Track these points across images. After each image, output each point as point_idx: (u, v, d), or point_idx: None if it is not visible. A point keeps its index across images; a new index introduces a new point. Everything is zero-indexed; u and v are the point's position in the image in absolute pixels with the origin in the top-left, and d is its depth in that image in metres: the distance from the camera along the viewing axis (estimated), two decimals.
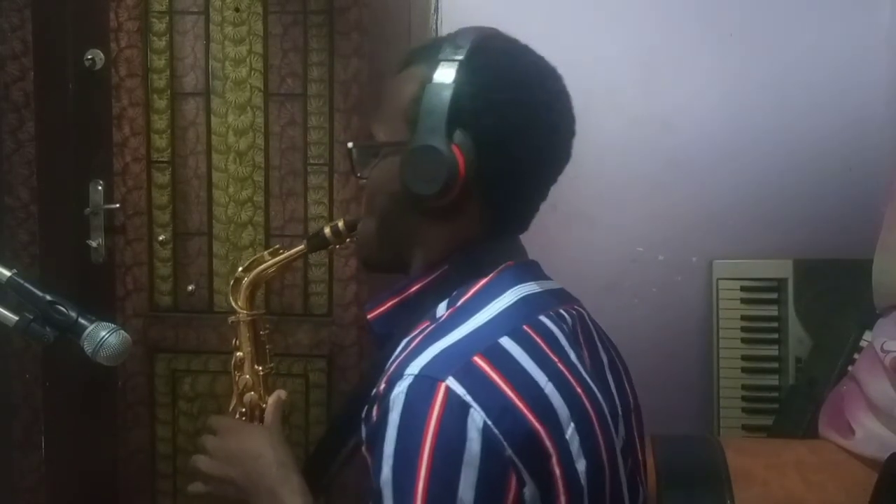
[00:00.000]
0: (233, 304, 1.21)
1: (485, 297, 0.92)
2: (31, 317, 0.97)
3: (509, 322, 0.89)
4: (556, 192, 1.02)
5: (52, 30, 1.76)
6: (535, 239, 1.04)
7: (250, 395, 1.20)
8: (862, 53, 1.92)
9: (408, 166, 0.92)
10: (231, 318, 1.23)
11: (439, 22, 1.83)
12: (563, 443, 0.84)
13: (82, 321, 0.97)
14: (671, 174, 1.96)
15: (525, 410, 0.83)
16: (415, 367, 0.83)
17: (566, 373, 0.88)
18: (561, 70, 0.99)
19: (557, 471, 0.84)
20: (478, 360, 0.84)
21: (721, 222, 1.97)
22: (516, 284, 0.94)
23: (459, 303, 0.92)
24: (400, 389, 0.83)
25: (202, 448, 1.10)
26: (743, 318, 1.94)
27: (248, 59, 1.88)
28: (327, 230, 1.11)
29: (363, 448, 0.87)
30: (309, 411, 1.91)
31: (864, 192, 1.89)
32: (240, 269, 1.22)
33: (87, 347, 0.97)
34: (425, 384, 0.82)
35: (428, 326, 0.91)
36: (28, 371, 1.76)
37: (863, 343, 1.67)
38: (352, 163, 1.02)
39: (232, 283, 1.22)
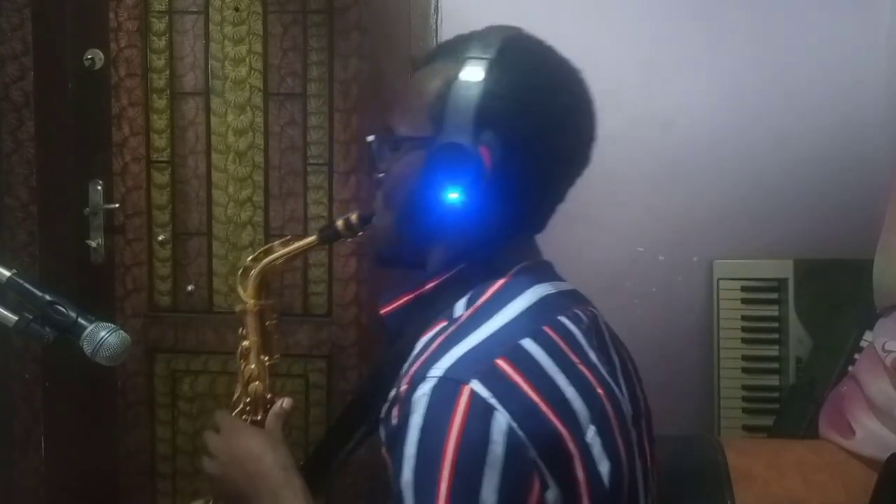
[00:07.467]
0: (241, 293, 1.20)
1: (503, 297, 0.92)
2: (31, 317, 0.97)
3: (530, 324, 0.89)
4: None
5: (51, 30, 1.76)
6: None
7: (255, 386, 1.19)
8: (862, 53, 1.92)
9: (433, 163, 0.91)
10: (238, 307, 1.21)
11: (439, 22, 1.83)
12: (585, 445, 0.84)
13: (82, 321, 0.97)
14: (671, 174, 1.96)
15: (548, 412, 0.82)
16: (438, 370, 0.83)
17: (587, 374, 0.88)
18: None
19: (580, 474, 0.83)
20: (501, 362, 0.83)
21: (721, 222, 1.97)
22: (533, 285, 0.94)
23: (478, 303, 0.92)
24: (423, 391, 0.82)
25: (205, 447, 1.10)
26: (743, 318, 1.94)
27: (247, 59, 1.88)
28: (340, 223, 1.10)
29: (382, 449, 0.87)
30: (308, 412, 1.90)
31: (864, 192, 1.89)
32: (249, 258, 1.21)
33: (87, 347, 0.96)
34: (449, 386, 0.81)
35: (446, 326, 0.90)
36: (28, 371, 1.76)
37: (863, 343, 1.67)
38: (371, 156, 1.01)
39: (240, 271, 1.21)
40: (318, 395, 1.91)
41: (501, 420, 0.80)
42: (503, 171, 0.91)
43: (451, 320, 0.91)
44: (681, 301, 1.99)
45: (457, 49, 0.94)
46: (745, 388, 1.92)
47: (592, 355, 0.91)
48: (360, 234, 1.10)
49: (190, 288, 1.92)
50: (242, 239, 1.91)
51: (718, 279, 1.95)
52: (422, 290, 0.97)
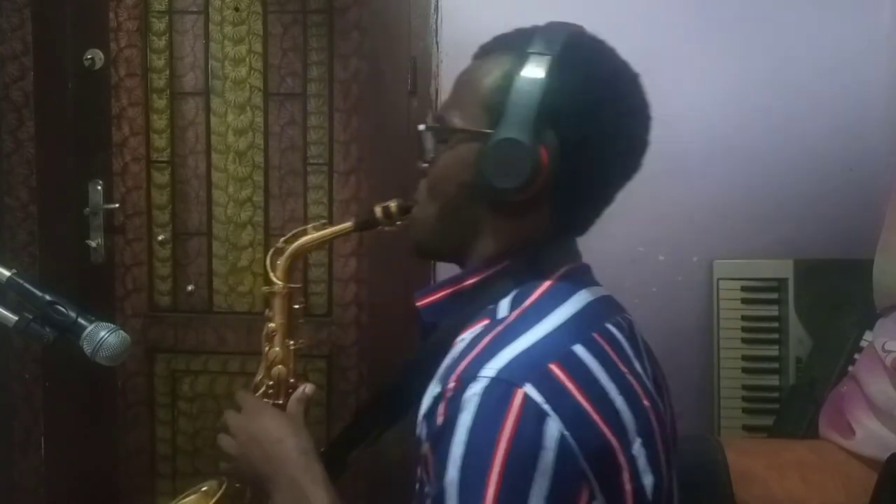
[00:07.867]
0: (270, 274, 1.17)
1: (551, 300, 0.90)
2: (31, 317, 0.97)
3: (580, 329, 0.87)
4: None
5: (51, 30, 1.76)
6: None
7: (279, 369, 1.17)
8: (862, 53, 1.91)
9: (488, 157, 0.89)
10: (265, 289, 1.19)
11: (439, 22, 1.82)
12: (632, 457, 0.83)
13: (82, 321, 0.97)
14: (671, 174, 1.96)
15: (600, 422, 0.81)
16: (490, 370, 0.81)
17: (634, 384, 0.87)
18: None
19: (628, 486, 0.82)
20: (554, 367, 0.82)
21: (721, 222, 1.96)
22: (579, 289, 0.92)
23: (525, 304, 0.90)
24: (474, 391, 0.80)
25: (225, 424, 1.07)
26: (743, 318, 1.93)
27: (247, 59, 1.88)
28: (378, 210, 1.08)
29: (424, 447, 0.84)
30: (308, 411, 1.90)
31: (864, 192, 1.89)
32: (281, 240, 1.19)
33: (87, 347, 0.96)
34: (501, 388, 0.79)
35: (491, 325, 0.88)
36: (28, 371, 1.76)
37: (863, 343, 1.66)
38: (419, 146, 0.98)
39: (271, 252, 1.19)
40: (318, 395, 1.90)
41: (554, 427, 0.78)
42: (559, 171, 0.89)
43: (496, 319, 0.89)
44: (681, 301, 1.98)
45: (518, 43, 0.92)
46: (745, 388, 1.92)
47: (637, 364, 0.90)
48: (399, 223, 1.08)
49: (190, 288, 1.92)
50: (242, 239, 1.91)
51: (718, 279, 1.94)
52: (462, 285, 0.95)
